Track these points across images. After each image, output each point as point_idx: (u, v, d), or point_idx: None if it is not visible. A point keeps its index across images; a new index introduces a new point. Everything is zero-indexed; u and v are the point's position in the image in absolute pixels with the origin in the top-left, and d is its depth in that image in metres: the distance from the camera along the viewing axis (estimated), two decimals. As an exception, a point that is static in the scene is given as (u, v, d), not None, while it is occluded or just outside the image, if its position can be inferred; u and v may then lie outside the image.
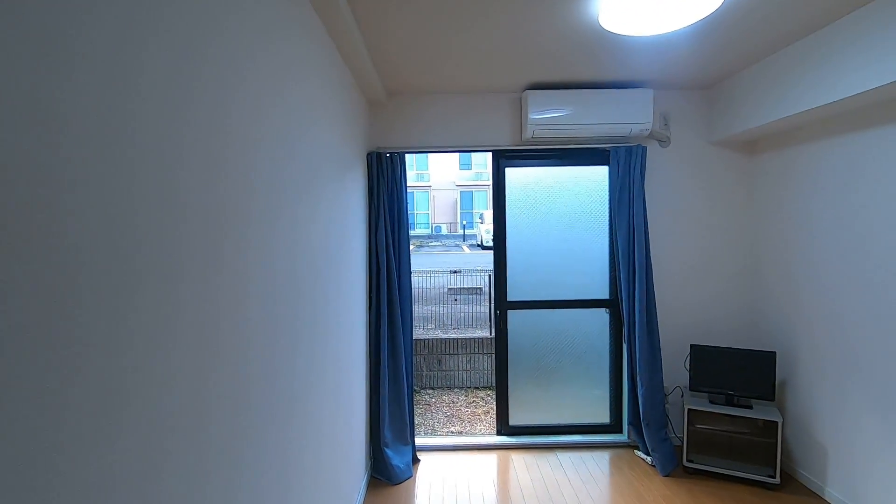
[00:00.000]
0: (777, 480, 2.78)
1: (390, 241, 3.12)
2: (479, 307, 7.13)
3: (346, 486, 2.39)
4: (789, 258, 2.99)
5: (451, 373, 5.85)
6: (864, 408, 2.46)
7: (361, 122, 2.93)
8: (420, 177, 25.75)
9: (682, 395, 3.20)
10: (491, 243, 17.61)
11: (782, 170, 3.04)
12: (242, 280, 1.17)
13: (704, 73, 2.95)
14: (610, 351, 3.51)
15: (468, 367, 5.85)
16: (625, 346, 3.31)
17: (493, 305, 6.39)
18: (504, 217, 3.41)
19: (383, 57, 2.55)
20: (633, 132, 3.09)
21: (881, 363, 2.35)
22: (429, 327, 6.69)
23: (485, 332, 6.25)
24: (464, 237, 23.03)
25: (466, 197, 26.64)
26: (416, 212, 25.80)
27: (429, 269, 8.89)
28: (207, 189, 1.00)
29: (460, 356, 5.87)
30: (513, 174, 3.40)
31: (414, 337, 6.00)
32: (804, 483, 2.86)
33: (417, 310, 6.95)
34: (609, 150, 3.25)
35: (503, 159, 3.37)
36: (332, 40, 2.09)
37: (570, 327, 3.51)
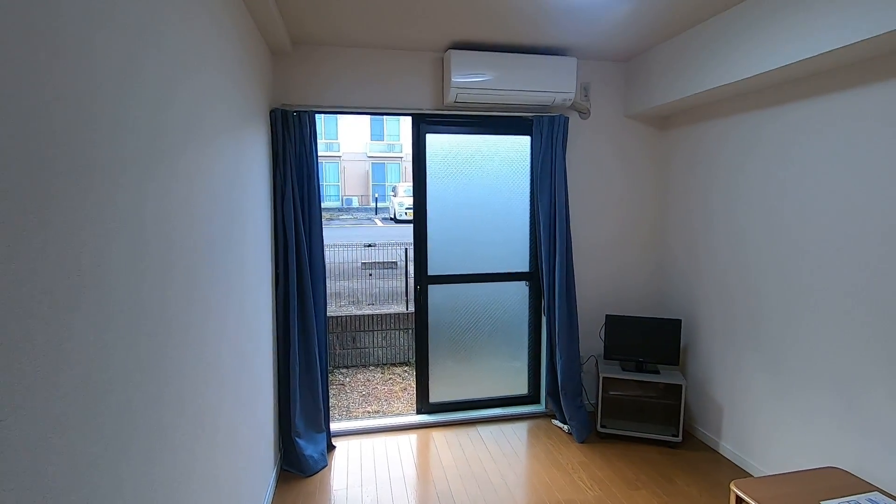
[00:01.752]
0: (679, 439, 2.97)
1: (300, 212, 2.79)
2: (394, 282, 6.94)
3: (251, 487, 2.12)
4: (694, 229, 3.14)
5: (366, 350, 5.64)
6: (756, 368, 2.67)
7: (262, 71, 2.53)
8: (330, 146, 24.50)
9: (597, 364, 3.29)
10: (405, 216, 17.48)
11: (690, 145, 3.16)
12: (110, 248, 0.86)
13: (625, 44, 2.94)
14: (529, 323, 3.51)
15: (384, 344, 5.68)
16: (544, 318, 3.32)
17: (409, 280, 6.28)
18: (425, 186, 3.21)
19: (288, -5, 2.18)
20: (556, 101, 3.01)
21: (775, 326, 2.54)
22: (342, 304, 6.38)
23: (401, 308, 6.10)
24: (376, 210, 22.49)
25: (378, 169, 25.94)
26: (326, 183, 24.63)
27: (341, 242, 8.49)
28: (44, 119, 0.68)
29: (376, 333, 5.66)
30: (434, 141, 3.20)
31: (327, 314, 5.70)
32: (702, 440, 3.09)
33: (329, 286, 6.59)
34: (532, 120, 3.16)
35: (424, 124, 3.14)
36: (222, -38, 1.71)
37: (490, 301, 3.45)
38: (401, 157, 25.78)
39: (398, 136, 25.96)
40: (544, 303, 3.25)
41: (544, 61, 2.92)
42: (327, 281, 6.80)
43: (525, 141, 3.33)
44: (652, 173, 3.44)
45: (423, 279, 3.30)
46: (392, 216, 19.11)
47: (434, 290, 3.35)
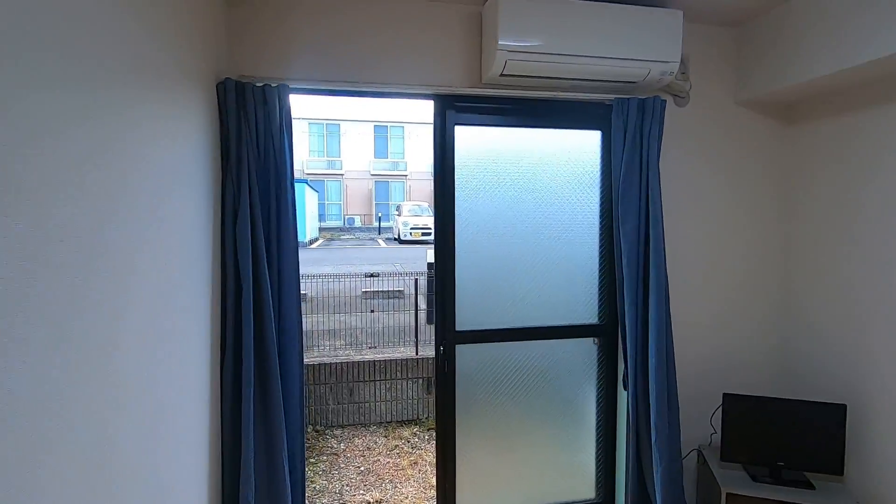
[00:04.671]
0: None
1: (261, 240, 1.78)
2: (400, 315, 5.89)
3: None
4: (850, 271, 2.10)
5: (366, 405, 4.58)
6: None
7: (201, 18, 1.55)
8: (331, 164, 23.64)
9: (704, 461, 2.23)
10: (409, 237, 16.55)
11: (836, 147, 2.15)
12: None
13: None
14: (597, 398, 2.46)
15: (388, 397, 4.61)
16: (625, 393, 2.27)
17: (418, 314, 5.24)
18: (452, 203, 2.19)
19: None
20: (650, 75, 2.02)
21: None
22: (337, 345, 5.33)
23: (408, 351, 5.04)
24: (379, 230, 21.51)
25: (382, 188, 25.08)
26: (327, 202, 23.69)
27: (338, 271, 7.48)
28: None
29: (378, 383, 4.61)
30: (465, 136, 2.19)
31: (319, 361, 4.62)
32: None
33: (323, 322, 5.54)
34: (612, 104, 2.15)
35: (452, 111, 2.14)
36: None
37: (542, 366, 2.40)
38: (405, 176, 24.98)
39: (402, 153, 25.19)
40: (627, 370, 2.21)
41: (636, 14, 1.93)
42: (321, 316, 5.69)
43: (594, 138, 2.33)
44: (776, 185, 2.43)
45: (449, 336, 2.26)
46: (396, 236, 18.14)
47: (463, 352, 2.30)
